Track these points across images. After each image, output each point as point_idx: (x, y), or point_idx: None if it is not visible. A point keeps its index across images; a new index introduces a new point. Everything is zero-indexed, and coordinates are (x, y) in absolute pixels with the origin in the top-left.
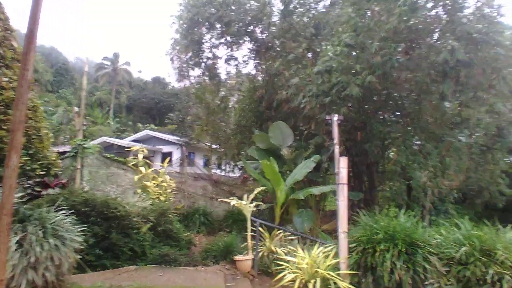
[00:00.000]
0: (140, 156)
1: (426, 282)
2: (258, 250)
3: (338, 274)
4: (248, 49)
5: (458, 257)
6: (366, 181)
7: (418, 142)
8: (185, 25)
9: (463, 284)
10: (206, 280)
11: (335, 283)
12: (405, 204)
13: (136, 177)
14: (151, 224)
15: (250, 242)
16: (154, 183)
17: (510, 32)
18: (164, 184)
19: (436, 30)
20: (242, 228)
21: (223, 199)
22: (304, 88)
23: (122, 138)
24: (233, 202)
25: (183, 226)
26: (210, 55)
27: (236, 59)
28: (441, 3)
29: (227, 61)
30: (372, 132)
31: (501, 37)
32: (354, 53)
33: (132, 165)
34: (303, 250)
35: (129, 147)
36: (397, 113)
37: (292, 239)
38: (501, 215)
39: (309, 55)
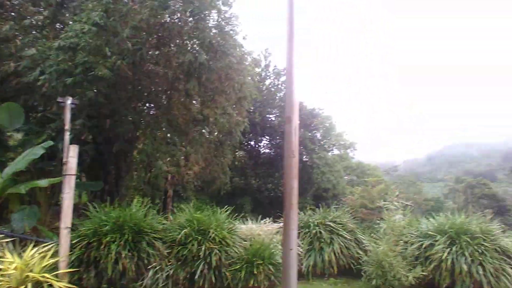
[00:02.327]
0: None
1: (150, 266)
2: None
3: (56, 275)
4: None
5: (179, 239)
6: (113, 171)
7: (169, 135)
8: None
9: (182, 262)
10: None
11: (50, 285)
12: (149, 192)
13: None
14: None
15: None
16: None
17: (239, 49)
18: None
19: (185, 32)
20: None
21: None
22: (43, 62)
23: None
24: None
25: None
26: None
27: None
28: (189, 9)
29: None
30: (122, 120)
31: (234, 50)
32: (105, 36)
33: None
34: (17, 253)
35: None
36: (150, 104)
37: (7, 242)
38: (230, 199)
39: (57, 25)
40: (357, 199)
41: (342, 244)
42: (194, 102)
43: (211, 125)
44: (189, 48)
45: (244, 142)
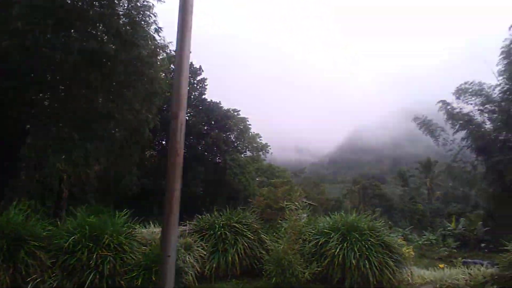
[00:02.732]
0: None
1: (29, 279)
2: None
3: None
4: None
5: (66, 247)
6: None
7: (66, 130)
8: None
9: (69, 272)
10: None
11: None
12: (39, 194)
13: None
14: None
15: None
16: None
17: (151, 42)
18: None
19: (89, 17)
20: None
21: None
22: None
23: None
24: None
25: None
26: None
27: None
28: None
29: None
30: (9, 111)
31: (145, 42)
32: None
33: None
34: None
35: None
36: (45, 95)
37: None
38: (138, 201)
39: None
40: (264, 200)
41: (246, 244)
42: (97, 95)
43: (116, 121)
44: (93, 35)
45: (155, 141)
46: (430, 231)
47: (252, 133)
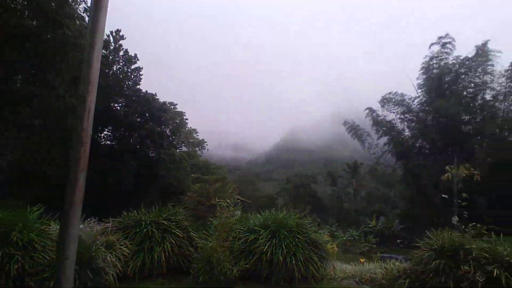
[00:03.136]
0: None
1: None
2: None
3: None
4: None
5: None
6: None
7: None
8: None
9: None
10: None
11: None
12: None
13: None
14: None
15: None
16: None
17: (79, 22)
18: None
19: None
20: None
21: None
22: None
23: None
24: None
25: None
26: None
27: None
28: None
29: None
30: None
31: (72, 22)
32: None
33: None
34: None
35: None
36: None
37: None
38: (60, 195)
39: None
40: (196, 196)
41: (174, 242)
42: (15, 76)
43: (35, 106)
44: (12, 8)
45: None
46: (354, 228)
47: (189, 128)
